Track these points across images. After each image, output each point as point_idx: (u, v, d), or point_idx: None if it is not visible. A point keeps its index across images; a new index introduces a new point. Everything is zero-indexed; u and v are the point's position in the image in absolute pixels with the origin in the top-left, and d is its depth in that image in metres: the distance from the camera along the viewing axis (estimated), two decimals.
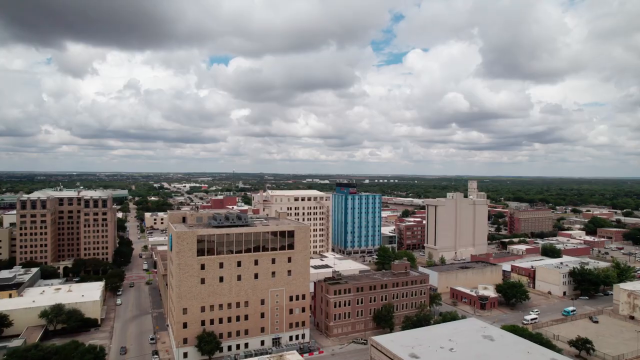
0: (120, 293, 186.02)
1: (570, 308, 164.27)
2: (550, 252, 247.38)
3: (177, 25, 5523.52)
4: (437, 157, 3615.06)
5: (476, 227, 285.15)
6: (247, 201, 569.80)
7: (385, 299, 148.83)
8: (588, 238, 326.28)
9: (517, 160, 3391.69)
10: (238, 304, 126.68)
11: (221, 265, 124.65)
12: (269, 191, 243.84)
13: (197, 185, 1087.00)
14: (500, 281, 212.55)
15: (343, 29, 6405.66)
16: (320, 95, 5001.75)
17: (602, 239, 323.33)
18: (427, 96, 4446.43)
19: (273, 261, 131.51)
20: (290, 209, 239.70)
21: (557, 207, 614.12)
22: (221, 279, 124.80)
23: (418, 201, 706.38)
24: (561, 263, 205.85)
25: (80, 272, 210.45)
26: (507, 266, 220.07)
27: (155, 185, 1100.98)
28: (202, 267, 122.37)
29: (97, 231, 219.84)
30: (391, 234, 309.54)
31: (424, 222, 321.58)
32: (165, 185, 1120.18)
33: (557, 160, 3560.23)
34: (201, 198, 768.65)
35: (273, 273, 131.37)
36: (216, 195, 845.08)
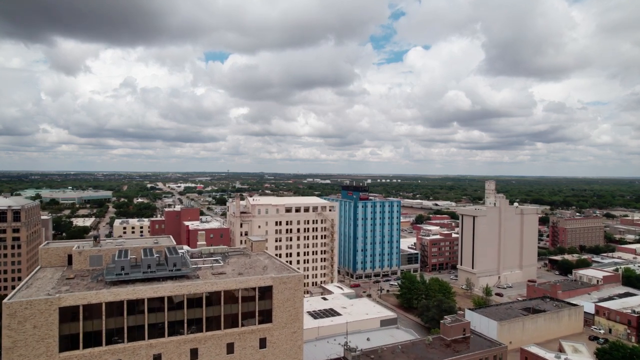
0: None
1: None
2: (636, 280, 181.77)
3: (169, 18, 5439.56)
4: (438, 157, 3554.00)
5: (524, 243, 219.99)
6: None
7: None
8: None
9: (519, 159, 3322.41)
10: None
11: None
12: (250, 199, 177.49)
13: (193, 185, 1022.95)
14: (581, 329, 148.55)
15: (342, 23, 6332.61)
16: (320, 93, 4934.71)
17: None
18: (428, 94, 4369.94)
19: (230, 349, 67.07)
20: (281, 224, 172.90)
21: (583, 211, 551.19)
22: None
23: (428, 203, 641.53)
24: None
25: None
26: (587, 305, 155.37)
27: (149, 185, 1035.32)
28: None
29: (5, 255, 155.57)
30: (411, 250, 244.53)
31: (453, 234, 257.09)
32: (160, 185, 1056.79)
33: (559, 160, 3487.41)
34: (192, 199, 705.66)
35: None
36: (210, 196, 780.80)
